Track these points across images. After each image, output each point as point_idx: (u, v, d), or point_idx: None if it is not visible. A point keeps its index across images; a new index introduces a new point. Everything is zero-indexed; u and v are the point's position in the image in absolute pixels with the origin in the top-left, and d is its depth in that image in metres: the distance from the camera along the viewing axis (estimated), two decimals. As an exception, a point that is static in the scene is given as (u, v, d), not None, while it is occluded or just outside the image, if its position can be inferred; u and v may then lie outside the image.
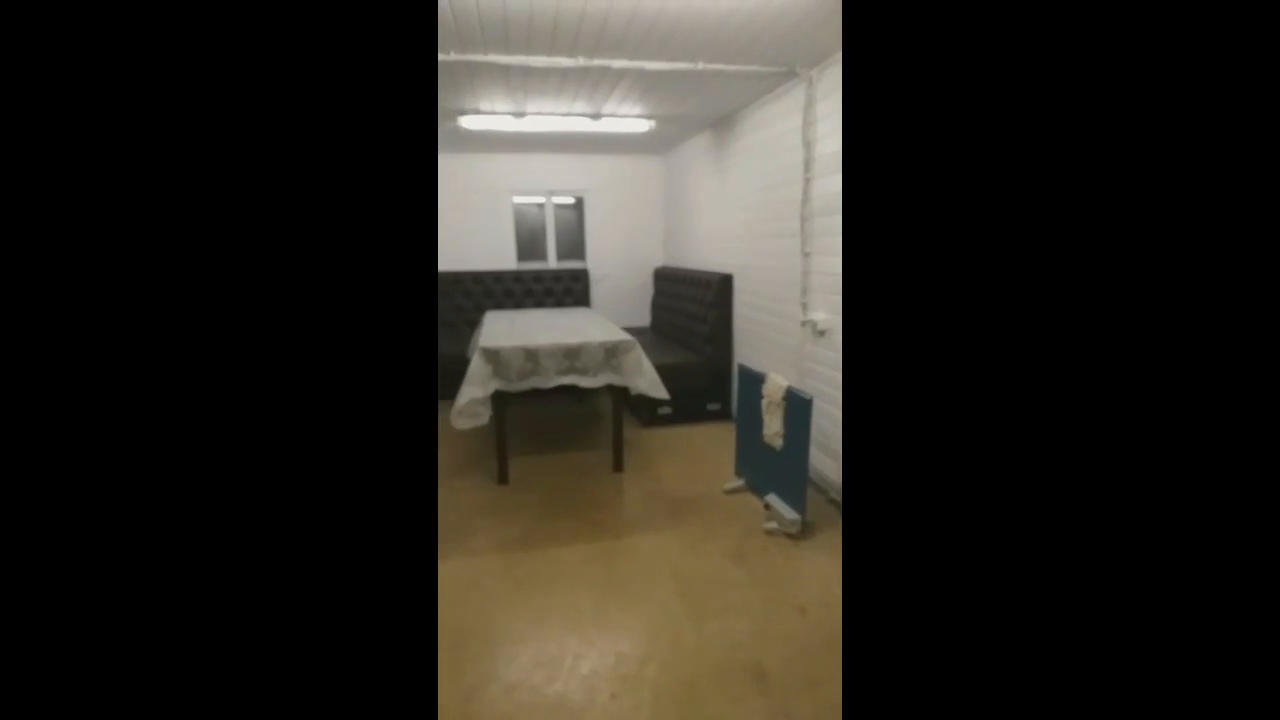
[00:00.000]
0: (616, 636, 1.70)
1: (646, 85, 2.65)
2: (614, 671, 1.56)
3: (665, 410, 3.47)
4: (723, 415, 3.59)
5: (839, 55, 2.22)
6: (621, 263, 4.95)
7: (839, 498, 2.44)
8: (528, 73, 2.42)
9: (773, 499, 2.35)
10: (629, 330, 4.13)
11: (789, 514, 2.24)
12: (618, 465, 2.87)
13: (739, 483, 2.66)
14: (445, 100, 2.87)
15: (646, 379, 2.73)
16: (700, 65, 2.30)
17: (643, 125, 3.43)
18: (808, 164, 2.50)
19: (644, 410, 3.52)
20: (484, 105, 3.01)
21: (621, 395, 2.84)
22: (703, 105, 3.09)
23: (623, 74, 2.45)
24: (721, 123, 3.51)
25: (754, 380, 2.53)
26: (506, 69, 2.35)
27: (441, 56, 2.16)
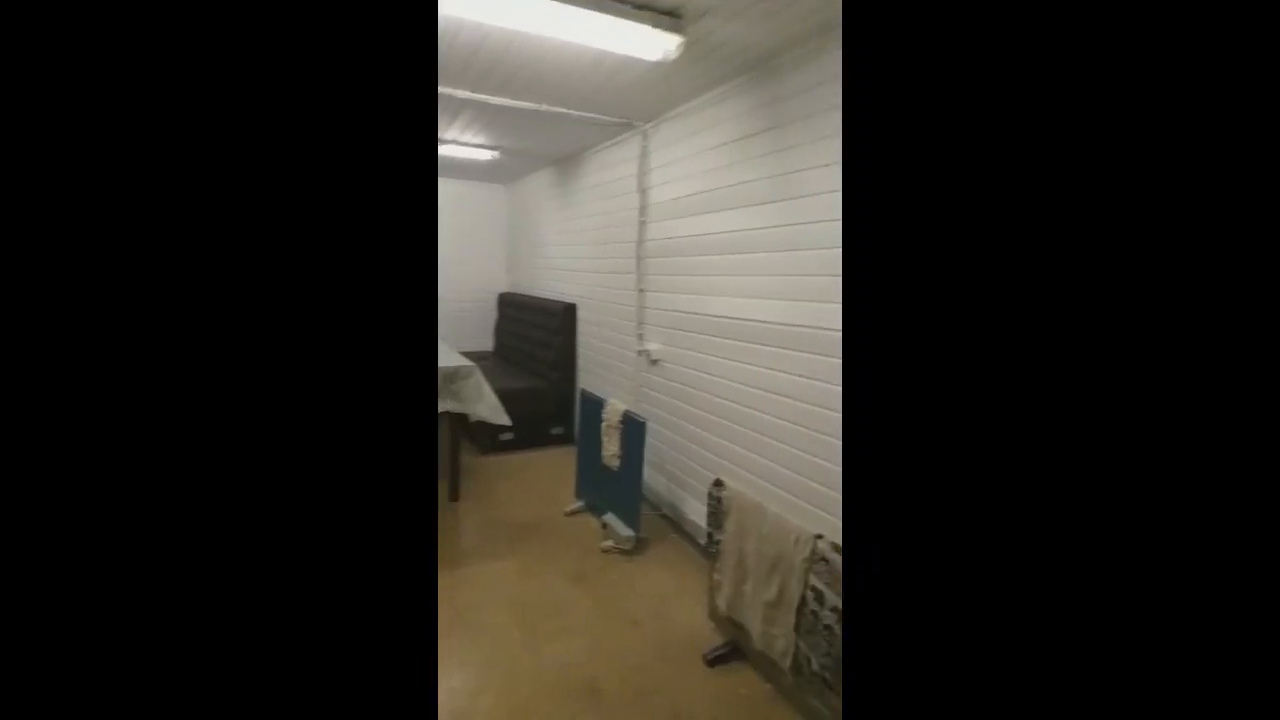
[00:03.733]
0: (449, 671, 1.66)
1: (489, 118, 2.70)
2: (445, 708, 1.52)
3: (507, 436, 3.45)
4: (566, 439, 3.67)
5: (671, 113, 2.49)
6: (464, 287, 4.84)
7: (670, 514, 2.64)
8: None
9: (610, 518, 2.47)
10: (472, 355, 4.04)
11: (624, 531, 2.37)
12: (454, 494, 2.78)
13: (579, 504, 2.74)
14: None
15: (487, 405, 2.72)
16: (544, 107, 2.42)
17: (485, 155, 3.45)
18: (642, 209, 2.74)
19: (484, 437, 3.46)
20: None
21: (459, 421, 2.78)
22: (546, 143, 3.22)
23: (465, 104, 2.48)
24: (566, 161, 3.67)
25: (595, 405, 2.65)
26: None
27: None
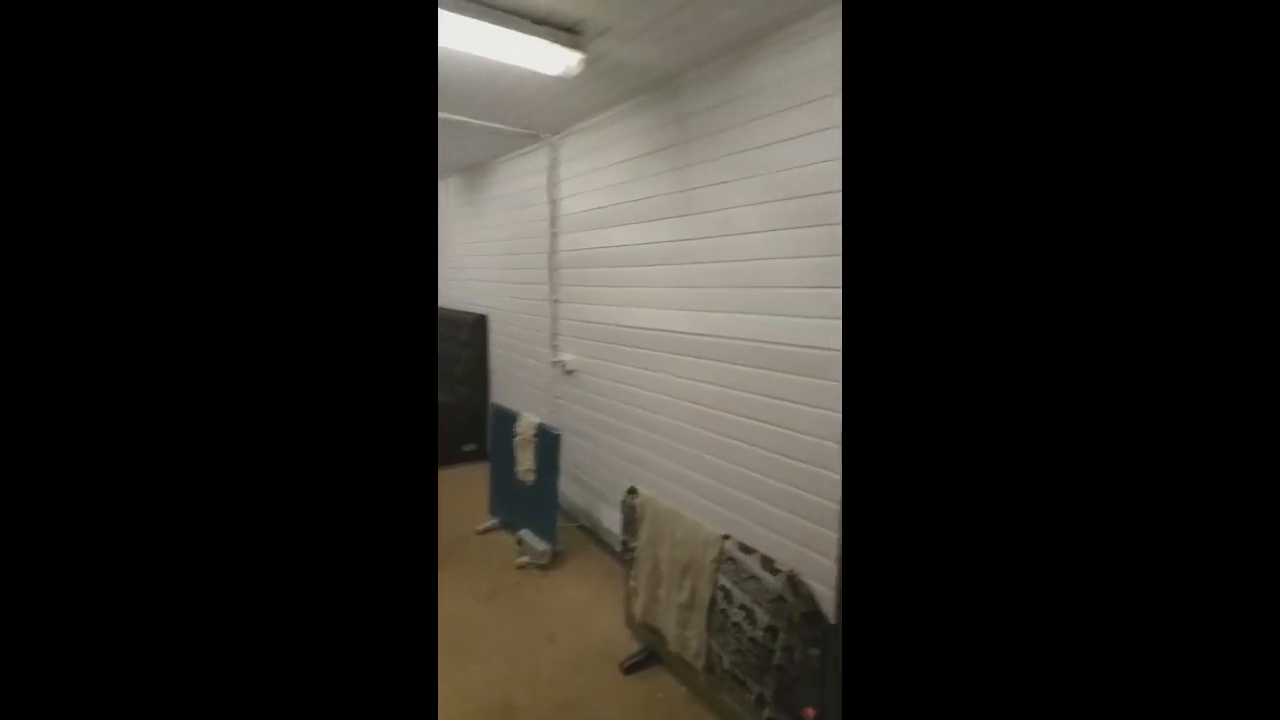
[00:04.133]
0: (352, 709, 1.56)
1: (390, 122, 2.60)
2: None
3: (416, 455, 3.30)
4: (479, 456, 3.56)
5: (579, 126, 2.51)
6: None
7: (587, 524, 2.64)
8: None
9: (525, 534, 2.43)
10: (374, 371, 3.81)
11: (540, 545, 2.34)
12: (359, 520, 2.62)
13: (493, 522, 2.67)
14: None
15: (392, 424, 2.58)
16: (444, 115, 2.36)
17: (388, 159, 3.31)
18: (553, 220, 2.74)
19: (392, 457, 3.28)
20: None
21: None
22: (451, 151, 3.14)
23: (362, 108, 2.37)
24: (473, 170, 3.59)
25: (507, 419, 2.60)
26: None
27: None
